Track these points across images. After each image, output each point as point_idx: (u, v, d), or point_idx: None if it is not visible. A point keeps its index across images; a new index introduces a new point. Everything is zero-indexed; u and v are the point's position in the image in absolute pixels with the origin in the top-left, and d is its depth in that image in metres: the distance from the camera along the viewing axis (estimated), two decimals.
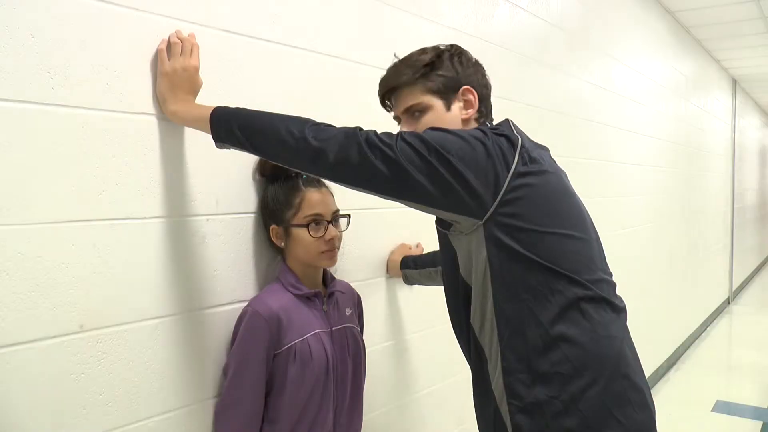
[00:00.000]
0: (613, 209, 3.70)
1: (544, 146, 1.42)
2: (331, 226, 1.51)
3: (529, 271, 1.25)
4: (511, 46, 2.63)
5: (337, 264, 1.59)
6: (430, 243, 2.15)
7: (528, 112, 2.73)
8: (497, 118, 1.46)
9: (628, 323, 1.36)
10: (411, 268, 1.95)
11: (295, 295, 1.50)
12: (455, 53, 1.42)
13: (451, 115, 1.39)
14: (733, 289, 7.77)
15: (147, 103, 1.31)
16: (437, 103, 1.38)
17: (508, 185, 1.24)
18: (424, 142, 1.21)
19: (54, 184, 1.17)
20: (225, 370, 1.45)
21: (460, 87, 1.39)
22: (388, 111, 1.46)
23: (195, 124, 1.32)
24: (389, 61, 1.44)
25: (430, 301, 2.16)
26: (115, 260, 1.26)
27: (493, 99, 1.47)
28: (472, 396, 1.41)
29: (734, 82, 7.67)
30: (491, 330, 1.29)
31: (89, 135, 1.21)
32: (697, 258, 5.90)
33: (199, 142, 1.40)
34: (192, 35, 1.36)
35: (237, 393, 1.42)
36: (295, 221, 1.49)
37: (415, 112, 1.39)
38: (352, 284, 1.73)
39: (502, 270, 1.26)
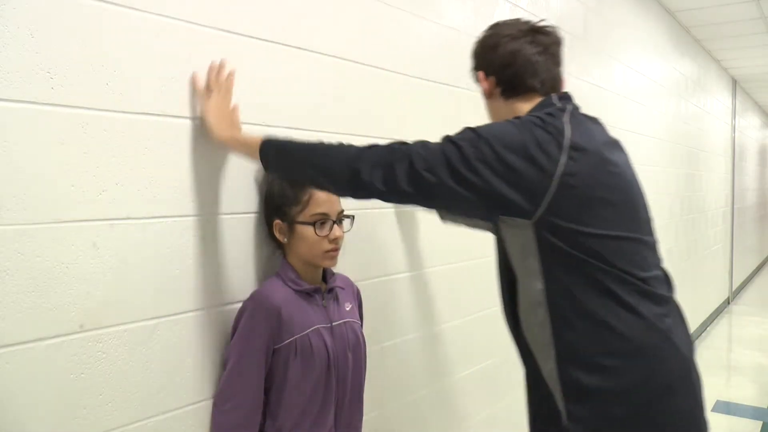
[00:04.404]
0: None
1: (595, 119, 1.43)
2: (336, 225, 1.51)
3: (576, 269, 1.29)
4: None
5: (337, 264, 1.58)
6: (437, 239, 2.15)
7: None
8: None
9: None
10: None
11: (294, 290, 1.50)
12: (475, 44, 1.52)
13: (490, 102, 1.50)
14: (733, 289, 7.77)
15: (147, 103, 1.31)
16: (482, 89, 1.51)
17: (553, 188, 1.26)
18: (465, 158, 1.27)
19: (54, 183, 1.17)
20: (225, 363, 1.45)
21: (477, 74, 1.50)
22: None
23: (245, 152, 1.41)
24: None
25: (430, 300, 2.16)
26: (115, 260, 1.26)
27: None
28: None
29: (734, 82, 7.67)
30: (543, 322, 1.33)
31: (89, 135, 1.21)
32: (697, 258, 5.90)
33: (199, 142, 1.40)
34: (231, 75, 1.43)
35: (236, 386, 1.42)
36: (301, 218, 1.49)
37: None
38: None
39: (552, 267, 1.31)
